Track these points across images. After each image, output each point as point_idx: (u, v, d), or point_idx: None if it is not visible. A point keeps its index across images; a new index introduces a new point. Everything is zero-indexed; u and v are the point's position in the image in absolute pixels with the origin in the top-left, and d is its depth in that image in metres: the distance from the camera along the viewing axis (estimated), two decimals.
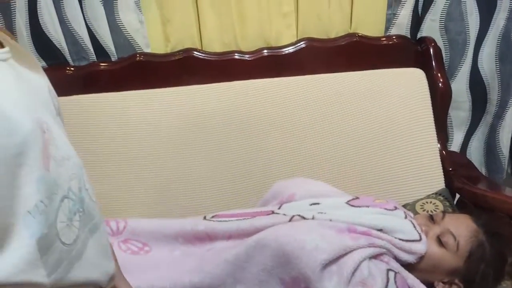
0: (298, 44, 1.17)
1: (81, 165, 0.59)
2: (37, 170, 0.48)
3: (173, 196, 1.08)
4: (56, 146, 0.52)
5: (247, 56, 1.17)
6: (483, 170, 1.33)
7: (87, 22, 1.10)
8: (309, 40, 1.17)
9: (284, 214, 0.84)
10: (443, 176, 1.10)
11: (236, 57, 1.16)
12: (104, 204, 1.05)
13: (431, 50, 1.16)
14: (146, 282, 0.74)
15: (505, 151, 1.27)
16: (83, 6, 1.08)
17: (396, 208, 0.86)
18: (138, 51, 1.15)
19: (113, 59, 1.15)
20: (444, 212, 0.90)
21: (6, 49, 0.52)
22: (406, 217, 0.84)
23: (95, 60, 1.15)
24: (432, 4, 1.16)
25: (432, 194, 1.08)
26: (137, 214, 1.06)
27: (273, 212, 0.87)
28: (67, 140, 0.58)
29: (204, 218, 0.89)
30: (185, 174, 1.09)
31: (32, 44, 1.12)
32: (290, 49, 1.17)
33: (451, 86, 1.19)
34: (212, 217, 0.89)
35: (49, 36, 1.10)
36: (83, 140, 1.07)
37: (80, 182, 0.57)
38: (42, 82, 0.58)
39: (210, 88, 1.13)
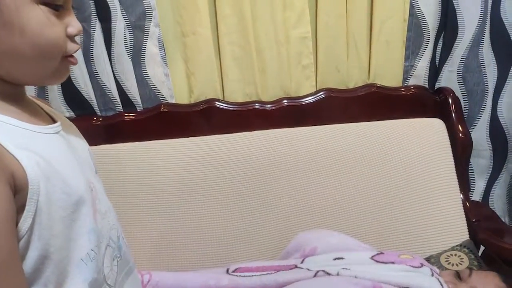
0: (318, 94, 1.20)
1: (117, 218, 0.68)
2: (89, 224, 0.56)
3: (192, 244, 1.08)
4: (100, 200, 0.61)
5: (268, 106, 1.20)
6: (506, 219, 1.31)
7: (116, 75, 1.15)
8: (328, 90, 1.20)
9: (308, 269, 0.84)
10: (467, 227, 1.09)
11: (257, 107, 1.19)
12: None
13: (450, 100, 1.17)
14: None
15: None
16: (112, 60, 1.14)
17: (422, 265, 0.85)
18: (163, 102, 1.19)
19: (138, 110, 1.19)
20: (471, 269, 0.88)
21: (58, 123, 0.60)
22: (432, 275, 0.83)
23: (122, 110, 1.19)
24: (450, 56, 1.18)
25: (457, 246, 1.07)
26: (157, 262, 1.07)
27: (296, 266, 0.87)
28: (106, 197, 0.67)
29: (227, 271, 0.89)
30: (205, 222, 1.09)
31: (62, 96, 1.17)
32: (309, 99, 1.20)
33: (471, 134, 1.19)
34: (235, 270, 0.89)
35: (78, 88, 1.15)
36: (107, 189, 1.09)
37: (118, 231, 0.66)
38: (84, 146, 0.67)
39: (231, 137, 1.15)
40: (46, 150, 0.53)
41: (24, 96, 0.59)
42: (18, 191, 0.47)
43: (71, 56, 0.57)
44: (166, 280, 0.85)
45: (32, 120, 0.56)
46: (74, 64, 0.58)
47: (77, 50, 0.57)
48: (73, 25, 0.55)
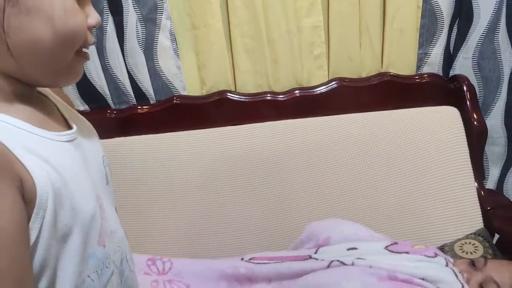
0: (330, 84, 1.19)
1: (125, 236, 0.62)
2: (93, 247, 0.51)
3: (205, 235, 1.10)
4: (107, 219, 0.56)
5: (280, 96, 1.19)
6: None
7: (128, 68, 1.16)
8: (341, 80, 1.19)
9: (322, 260, 0.85)
10: (481, 215, 1.09)
11: (269, 98, 1.19)
12: (140, 241, 1.09)
13: (465, 87, 1.16)
14: None
15: None
16: (124, 54, 1.14)
17: (436, 254, 0.85)
18: (175, 94, 1.19)
19: (151, 102, 1.20)
20: (486, 258, 0.88)
21: (74, 129, 0.56)
22: (447, 265, 0.83)
23: (135, 103, 1.20)
24: (464, 43, 1.16)
25: (471, 234, 1.06)
26: (174, 252, 1.09)
27: (310, 257, 0.88)
28: (115, 212, 0.61)
29: (242, 259, 0.91)
30: (219, 213, 1.11)
31: (76, 90, 1.19)
32: (322, 89, 1.20)
33: (486, 122, 1.18)
34: (250, 259, 0.90)
35: (92, 82, 1.17)
36: (123, 181, 1.12)
37: (122, 254, 0.60)
38: (99, 153, 0.61)
39: (243, 128, 1.16)
40: (58, 161, 0.48)
41: (36, 96, 0.55)
42: (25, 203, 0.43)
43: (84, 52, 0.54)
44: (187, 267, 0.86)
45: (45, 125, 0.51)
46: (87, 59, 0.54)
47: (92, 44, 0.54)
48: (93, 16, 0.52)
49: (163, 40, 1.13)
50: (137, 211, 1.10)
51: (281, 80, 1.20)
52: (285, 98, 1.19)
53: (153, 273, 0.86)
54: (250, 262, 0.89)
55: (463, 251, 1.02)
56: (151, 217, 1.11)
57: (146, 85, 1.18)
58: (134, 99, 1.20)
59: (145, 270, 0.86)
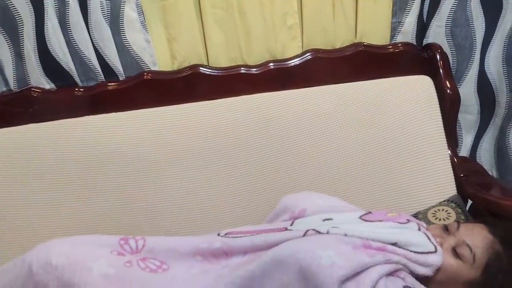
0: (304, 56, 1.17)
1: None
2: None
3: (180, 211, 1.08)
4: None
5: (253, 70, 1.17)
6: (493, 173, 1.33)
7: (94, 43, 1.11)
8: (315, 51, 1.18)
9: (298, 230, 0.84)
10: (454, 182, 1.10)
11: (243, 71, 1.17)
12: (117, 221, 1.06)
13: (438, 56, 1.16)
14: None
15: None
16: (89, 27, 1.09)
17: (409, 220, 0.86)
18: (146, 70, 1.15)
19: (121, 79, 1.16)
20: (458, 222, 0.89)
21: None
22: (419, 229, 0.84)
23: (103, 80, 1.16)
24: (437, 11, 1.15)
25: (444, 201, 1.08)
26: (151, 230, 1.07)
27: (286, 229, 0.87)
28: None
29: (218, 235, 0.90)
30: (192, 190, 1.09)
31: (41, 67, 1.14)
32: (296, 61, 1.18)
33: (459, 90, 1.18)
34: (225, 234, 0.90)
35: (57, 59, 1.12)
36: (93, 161, 1.08)
37: None
38: None
39: (216, 103, 1.13)
40: None
41: None
42: None
43: None
44: (160, 244, 0.85)
45: None
46: None
47: None
48: None
49: (129, 12, 1.08)
50: (113, 189, 1.08)
51: (254, 53, 1.18)
52: (259, 71, 1.17)
53: (127, 252, 0.84)
54: (226, 236, 0.88)
55: (436, 218, 1.04)
56: (122, 196, 1.08)
57: (114, 60, 1.14)
58: (102, 76, 1.16)
59: (119, 251, 0.84)
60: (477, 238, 0.82)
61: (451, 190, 1.10)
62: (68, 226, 1.06)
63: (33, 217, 1.06)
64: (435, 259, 0.79)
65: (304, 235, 0.81)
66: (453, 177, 1.10)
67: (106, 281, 0.76)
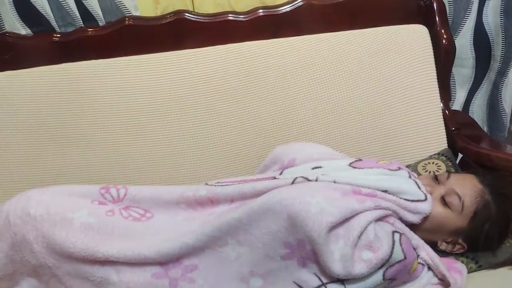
0: (295, 3, 1.12)
1: None
2: None
3: (167, 163, 1.06)
4: None
5: (242, 16, 1.11)
6: (485, 128, 1.31)
7: None
8: None
9: (286, 178, 0.82)
10: (445, 136, 1.08)
11: (230, 18, 1.11)
12: (99, 172, 1.04)
13: (435, 5, 1.10)
14: (151, 248, 0.72)
15: (508, 109, 1.25)
16: None
17: (399, 168, 0.84)
18: (127, 15, 1.09)
19: (100, 24, 1.10)
20: (449, 172, 0.88)
21: None
22: (410, 177, 0.82)
23: (82, 25, 1.10)
24: None
25: (435, 154, 1.07)
26: (135, 181, 1.04)
27: (274, 178, 0.85)
28: None
29: (206, 184, 0.87)
30: (179, 141, 1.06)
31: (15, 11, 1.07)
32: (286, 8, 1.12)
33: (455, 42, 1.14)
34: (213, 184, 0.87)
35: (32, 2, 1.04)
36: (73, 109, 1.04)
37: None
38: None
39: (203, 52, 1.08)
40: None
41: None
42: None
43: None
44: (143, 193, 0.82)
45: None
46: None
47: None
48: None
49: None
50: (93, 140, 1.04)
51: None
52: (247, 19, 1.12)
53: (108, 201, 0.81)
54: (212, 185, 0.85)
55: (426, 171, 1.03)
56: (106, 148, 1.04)
57: (93, 4, 1.07)
58: (81, 21, 1.09)
59: (100, 200, 0.81)
60: (466, 187, 0.81)
61: (442, 143, 1.08)
62: (48, 178, 1.03)
63: (10, 169, 1.02)
64: (425, 207, 0.78)
65: (293, 182, 0.80)
66: (445, 130, 1.08)
67: (88, 231, 0.74)
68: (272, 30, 1.12)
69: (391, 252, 0.69)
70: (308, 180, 0.79)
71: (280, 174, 0.88)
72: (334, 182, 0.77)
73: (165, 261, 0.73)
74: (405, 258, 0.70)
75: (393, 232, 0.72)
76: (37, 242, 0.72)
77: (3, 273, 0.74)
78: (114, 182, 1.00)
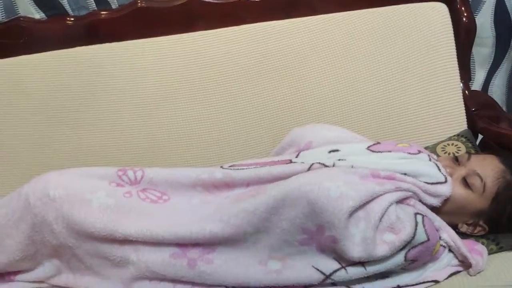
0: None
1: None
2: None
3: (181, 146, 1.05)
4: None
5: None
6: (504, 108, 1.28)
7: None
8: None
9: (303, 163, 0.81)
10: (465, 117, 1.06)
11: None
12: (113, 154, 1.04)
13: None
14: (169, 229, 0.72)
15: None
16: None
17: (419, 151, 0.82)
18: None
19: (113, 7, 1.09)
20: (469, 153, 0.86)
21: None
22: (430, 160, 0.81)
23: (95, 9, 1.09)
24: None
25: (454, 136, 1.04)
26: (148, 163, 1.04)
27: (291, 161, 0.84)
28: None
29: (221, 167, 0.87)
30: (193, 124, 1.05)
31: None
32: None
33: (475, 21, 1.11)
34: (229, 166, 0.87)
35: None
36: (87, 93, 1.04)
37: None
38: None
39: (216, 33, 1.07)
40: None
41: None
42: None
43: None
44: (161, 175, 0.82)
45: None
46: None
47: None
48: None
49: None
50: (108, 122, 1.04)
51: None
52: None
53: (126, 183, 0.82)
54: (228, 168, 0.85)
55: (445, 153, 1.01)
56: (121, 130, 1.04)
57: None
58: (94, 4, 1.09)
59: (117, 182, 0.82)
60: (488, 167, 0.80)
61: (461, 124, 1.06)
62: (62, 161, 1.03)
63: (27, 152, 1.03)
64: (445, 189, 0.77)
65: (309, 168, 0.78)
66: (464, 111, 1.06)
67: (106, 211, 0.74)
68: (285, 10, 1.10)
69: (414, 233, 0.68)
70: (325, 166, 0.78)
71: (296, 157, 0.87)
72: (352, 167, 0.76)
73: (182, 243, 0.73)
74: (428, 239, 0.69)
75: (415, 214, 0.70)
76: (57, 222, 0.73)
77: (26, 253, 0.76)
78: (128, 164, 1.01)
